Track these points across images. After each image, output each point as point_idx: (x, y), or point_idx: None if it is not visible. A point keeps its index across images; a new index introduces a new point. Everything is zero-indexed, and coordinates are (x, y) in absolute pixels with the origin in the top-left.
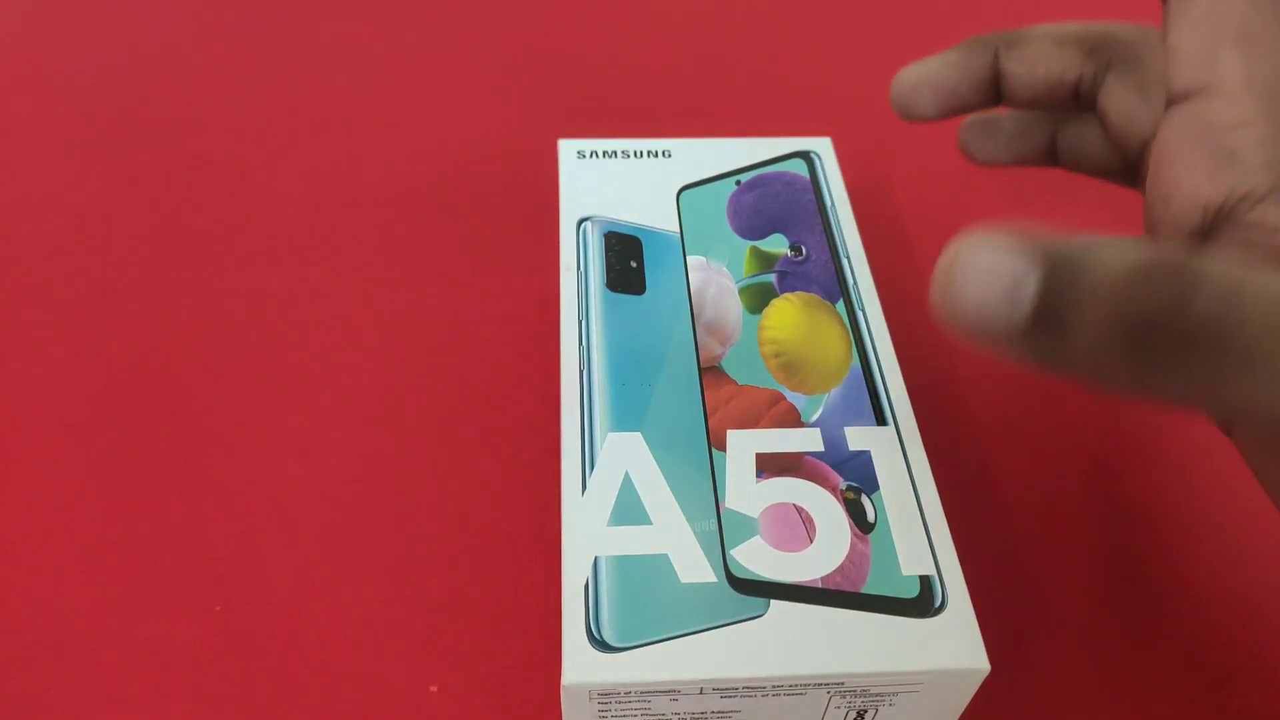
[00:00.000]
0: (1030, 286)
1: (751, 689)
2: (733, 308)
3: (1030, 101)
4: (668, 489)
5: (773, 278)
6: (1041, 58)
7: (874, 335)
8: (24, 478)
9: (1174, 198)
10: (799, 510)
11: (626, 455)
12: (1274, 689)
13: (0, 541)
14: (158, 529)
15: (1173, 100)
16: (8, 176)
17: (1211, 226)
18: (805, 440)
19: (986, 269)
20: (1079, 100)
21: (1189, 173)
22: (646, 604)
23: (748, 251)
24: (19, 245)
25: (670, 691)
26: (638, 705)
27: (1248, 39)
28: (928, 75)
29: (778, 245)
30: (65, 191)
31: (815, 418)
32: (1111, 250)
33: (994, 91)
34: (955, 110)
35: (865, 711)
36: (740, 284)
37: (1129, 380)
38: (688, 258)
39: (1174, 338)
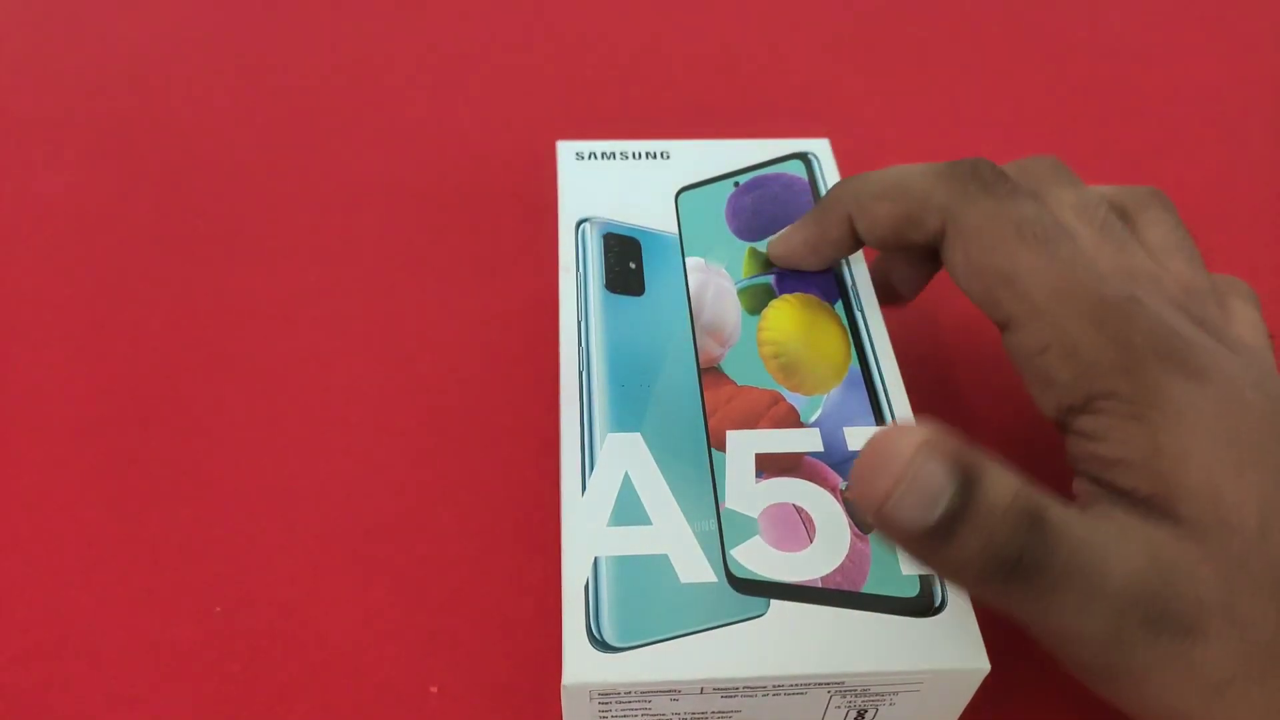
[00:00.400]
0: (945, 500)
1: (752, 689)
2: (731, 309)
3: (896, 251)
4: (667, 489)
5: (771, 279)
6: (886, 225)
7: (873, 336)
8: (24, 478)
9: (1034, 400)
10: (799, 510)
11: (626, 456)
12: None
13: (0, 541)
14: (158, 529)
15: (998, 327)
16: (8, 176)
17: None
18: (805, 440)
19: (917, 476)
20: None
21: (1031, 389)
22: (647, 604)
23: (746, 253)
24: (19, 245)
25: (671, 691)
26: (638, 705)
27: (1004, 277)
28: (795, 248)
29: None
30: (66, 191)
31: (815, 418)
32: (1002, 481)
33: (859, 241)
34: (834, 260)
35: (865, 711)
36: (739, 285)
37: (986, 593)
38: (686, 259)
39: (1018, 571)
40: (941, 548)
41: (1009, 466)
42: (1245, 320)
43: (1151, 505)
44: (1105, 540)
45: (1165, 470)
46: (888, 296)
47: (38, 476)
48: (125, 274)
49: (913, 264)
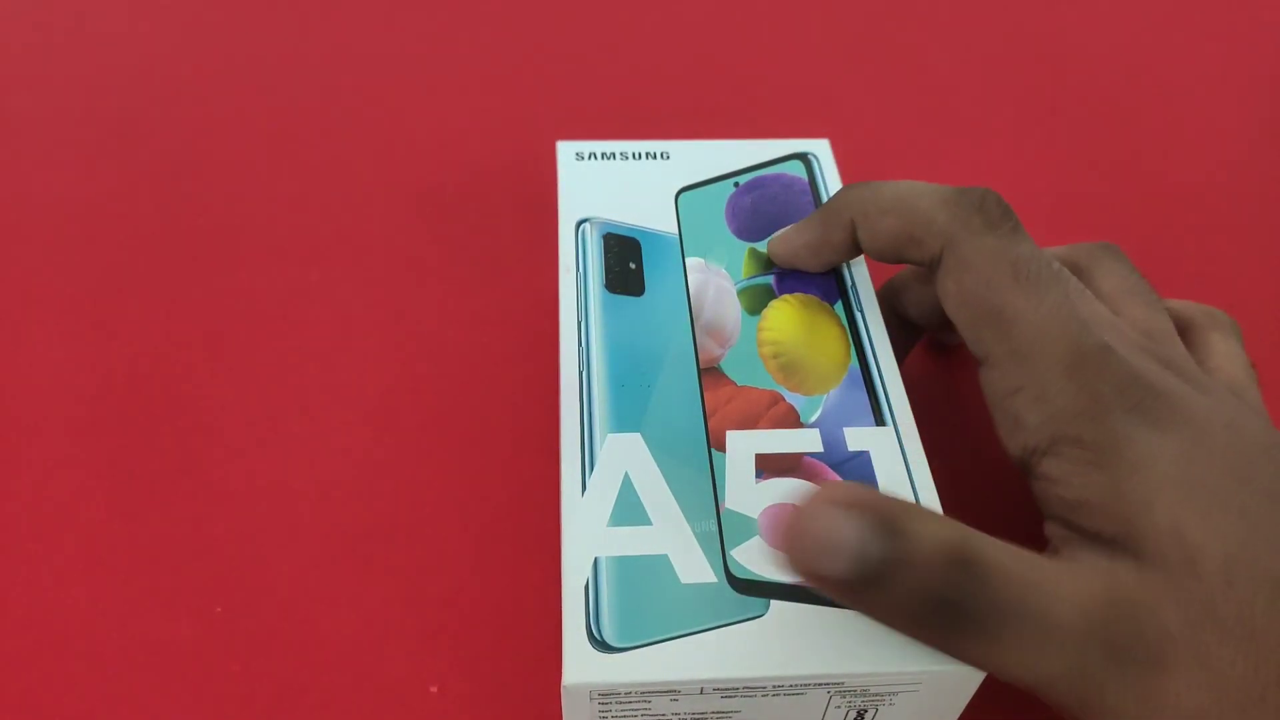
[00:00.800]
0: (871, 552)
1: (751, 689)
2: (731, 309)
3: (893, 262)
4: (667, 490)
5: (771, 279)
6: (886, 239)
7: (873, 336)
8: (24, 478)
9: (1000, 439)
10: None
11: (626, 456)
12: None
13: (0, 541)
14: (158, 529)
15: (977, 360)
16: (8, 176)
17: (1026, 468)
18: (804, 441)
19: (840, 530)
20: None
21: (1000, 428)
22: (647, 604)
23: (746, 253)
24: (19, 245)
25: (670, 692)
26: (638, 705)
27: (993, 315)
28: (796, 249)
29: None
30: (66, 191)
31: (814, 418)
32: (929, 529)
33: (859, 248)
34: (834, 264)
35: (865, 711)
36: (739, 285)
37: (933, 642)
38: (686, 259)
39: (957, 616)
40: (874, 597)
41: (942, 515)
42: (1224, 354)
43: (1116, 545)
44: (1055, 578)
45: (1128, 514)
46: (904, 329)
47: (38, 476)
48: (125, 274)
49: (926, 283)
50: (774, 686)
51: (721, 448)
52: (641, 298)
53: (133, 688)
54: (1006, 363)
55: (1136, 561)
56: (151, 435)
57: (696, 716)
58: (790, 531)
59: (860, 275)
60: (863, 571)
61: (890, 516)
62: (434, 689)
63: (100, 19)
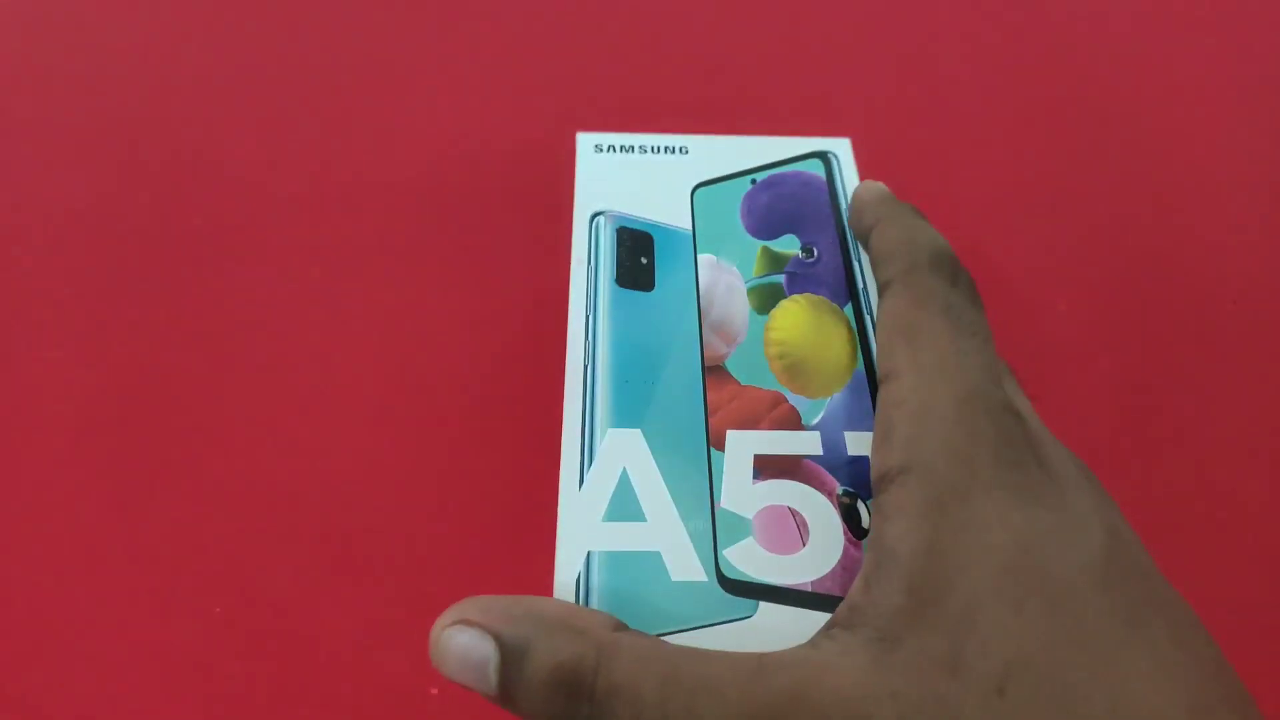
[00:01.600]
0: (493, 670)
1: None
2: (740, 307)
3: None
4: (664, 487)
5: (782, 279)
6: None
7: None
8: (24, 478)
9: (870, 460)
10: (794, 513)
11: (625, 452)
12: (1275, 689)
13: (0, 542)
14: (158, 529)
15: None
16: (8, 176)
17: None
18: (804, 443)
19: (463, 651)
20: None
21: (873, 445)
22: (636, 600)
23: (759, 251)
24: (19, 245)
25: None
26: None
27: (912, 331)
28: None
29: (790, 246)
30: (66, 191)
31: (816, 421)
32: (545, 646)
33: None
34: None
35: None
36: (749, 284)
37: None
38: (699, 256)
39: None
40: (517, 709)
41: (587, 628)
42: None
43: (896, 621)
44: (718, 685)
45: (931, 587)
46: None
47: (38, 476)
48: (125, 274)
49: None
50: None
51: (721, 447)
52: (651, 293)
53: (133, 688)
54: (905, 376)
55: (894, 651)
56: (151, 435)
57: None
58: (434, 643)
59: (871, 279)
60: (488, 691)
61: (516, 638)
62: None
63: (100, 19)
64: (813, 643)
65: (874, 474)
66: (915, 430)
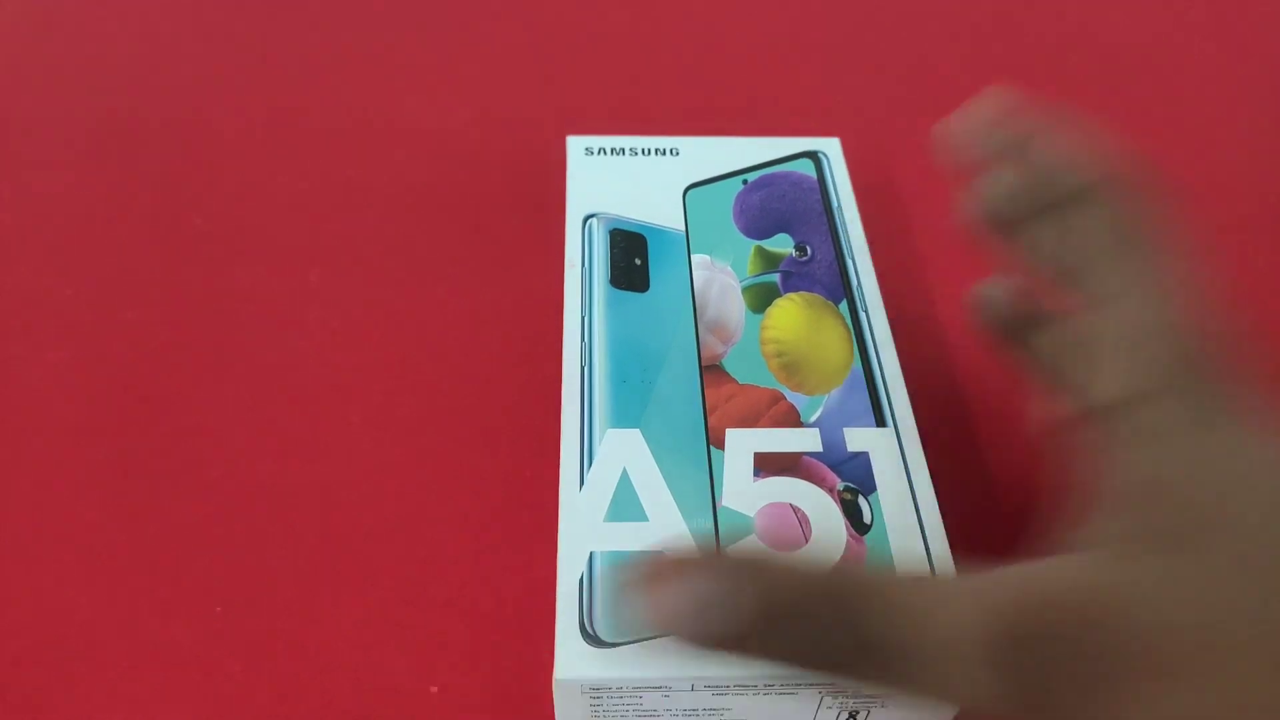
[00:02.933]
0: (746, 604)
1: (743, 687)
2: (735, 306)
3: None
4: (665, 486)
5: (776, 277)
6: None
7: (876, 337)
8: (24, 478)
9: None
10: (795, 510)
11: (625, 452)
12: None
13: (0, 542)
14: (158, 529)
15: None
16: (8, 177)
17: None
18: (804, 440)
19: (701, 590)
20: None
21: (1068, 375)
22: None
23: (752, 251)
24: (19, 245)
25: (662, 688)
26: (629, 701)
27: (1128, 247)
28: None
29: (783, 245)
30: (66, 191)
31: (815, 418)
32: (793, 573)
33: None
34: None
35: (857, 712)
36: (744, 283)
37: (819, 674)
38: (692, 256)
39: (841, 650)
40: (757, 647)
41: (805, 559)
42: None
43: (1162, 535)
44: (955, 597)
45: (1205, 504)
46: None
47: (38, 476)
48: (125, 274)
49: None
50: (765, 685)
51: (721, 445)
52: (646, 294)
53: (132, 687)
54: (1132, 294)
55: (1177, 555)
56: (151, 435)
57: (687, 713)
58: (645, 601)
59: (865, 276)
60: (739, 624)
61: (753, 565)
62: (434, 689)
63: (100, 19)
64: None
65: (1092, 401)
66: (1158, 352)
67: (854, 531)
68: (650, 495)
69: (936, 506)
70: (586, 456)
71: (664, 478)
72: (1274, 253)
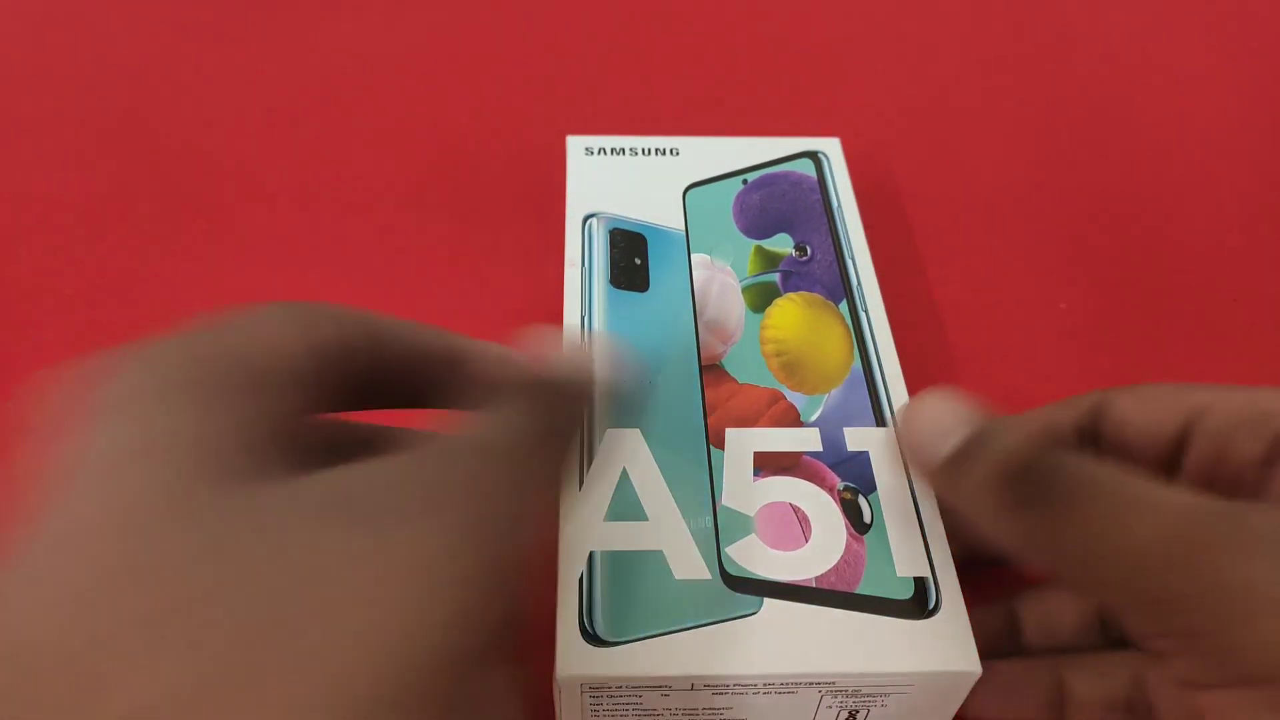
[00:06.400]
0: (955, 437)
1: (743, 686)
2: (735, 306)
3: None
4: (665, 485)
5: (776, 277)
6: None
7: (876, 337)
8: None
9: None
10: (795, 509)
11: (625, 451)
12: None
13: (0, 542)
14: None
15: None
16: (8, 177)
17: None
18: (804, 440)
19: (934, 417)
20: None
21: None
22: (640, 599)
23: (752, 250)
24: (19, 245)
25: (661, 687)
26: (629, 700)
27: None
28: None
29: (783, 245)
30: (66, 190)
31: (815, 418)
32: (1017, 424)
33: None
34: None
35: (857, 711)
36: (744, 283)
37: (1009, 518)
38: (692, 255)
39: (1043, 485)
40: (969, 469)
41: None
42: None
43: None
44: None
45: None
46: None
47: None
48: (125, 274)
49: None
50: (765, 684)
51: (720, 445)
52: (646, 293)
53: None
54: None
55: None
56: None
57: (687, 712)
58: (914, 416)
59: (865, 275)
60: (964, 444)
61: (984, 412)
62: None
63: (100, 19)
64: None
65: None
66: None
67: (854, 531)
68: (650, 495)
69: (936, 505)
70: (586, 456)
71: (664, 477)
72: (1274, 252)
